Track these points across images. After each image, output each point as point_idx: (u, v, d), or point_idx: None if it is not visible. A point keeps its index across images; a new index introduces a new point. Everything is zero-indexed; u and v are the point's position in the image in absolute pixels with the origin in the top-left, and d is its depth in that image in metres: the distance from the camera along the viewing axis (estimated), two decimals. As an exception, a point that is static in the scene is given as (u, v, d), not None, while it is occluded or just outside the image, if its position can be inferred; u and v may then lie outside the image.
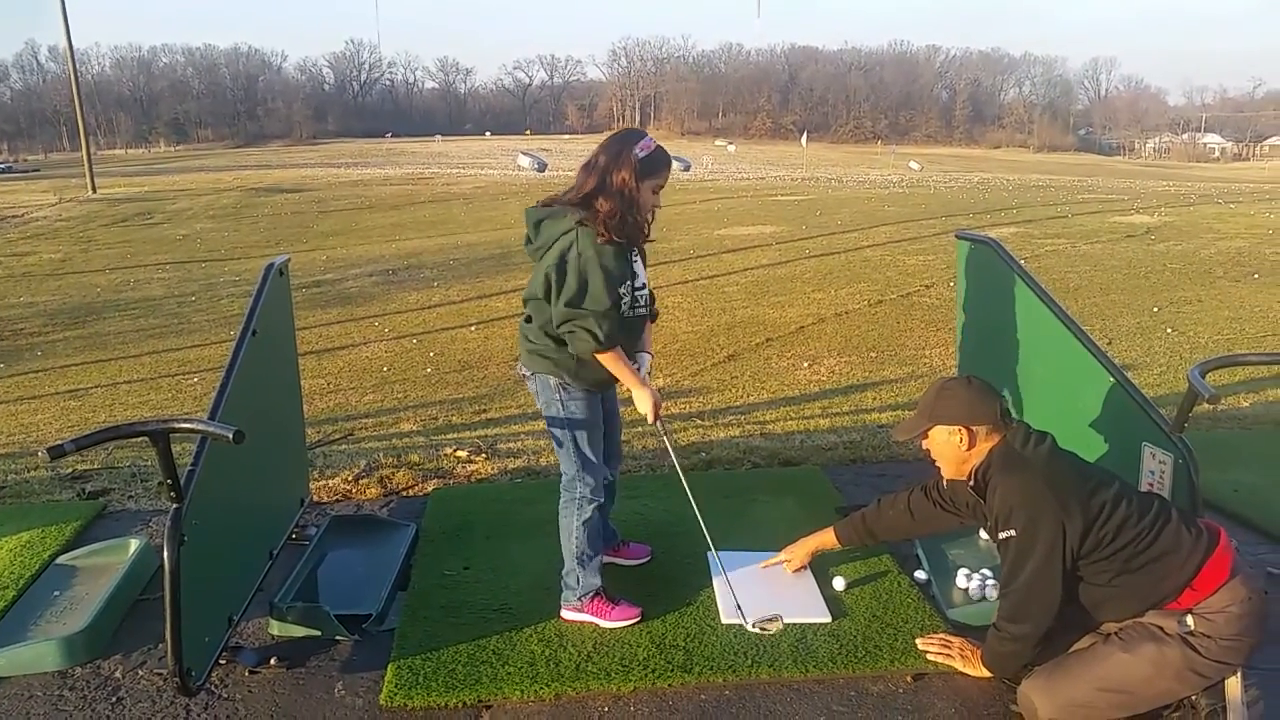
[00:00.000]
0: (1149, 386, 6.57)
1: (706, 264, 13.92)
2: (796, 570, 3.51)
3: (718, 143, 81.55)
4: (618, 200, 2.96)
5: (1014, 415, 2.82)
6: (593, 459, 3.20)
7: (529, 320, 3.17)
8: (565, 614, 3.24)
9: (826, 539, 3.44)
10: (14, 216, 26.01)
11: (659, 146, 3.08)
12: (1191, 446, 3.00)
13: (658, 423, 3.22)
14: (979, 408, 2.74)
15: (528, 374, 3.20)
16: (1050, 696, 2.59)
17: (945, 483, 3.05)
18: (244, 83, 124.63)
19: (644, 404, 3.15)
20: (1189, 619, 2.53)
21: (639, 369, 3.20)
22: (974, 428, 2.73)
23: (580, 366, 3.10)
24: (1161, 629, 2.57)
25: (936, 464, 2.91)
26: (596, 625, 3.17)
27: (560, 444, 3.20)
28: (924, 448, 2.89)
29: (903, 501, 3.27)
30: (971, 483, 2.80)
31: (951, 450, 2.79)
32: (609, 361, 3.04)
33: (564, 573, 3.26)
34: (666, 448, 3.37)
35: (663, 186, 3.11)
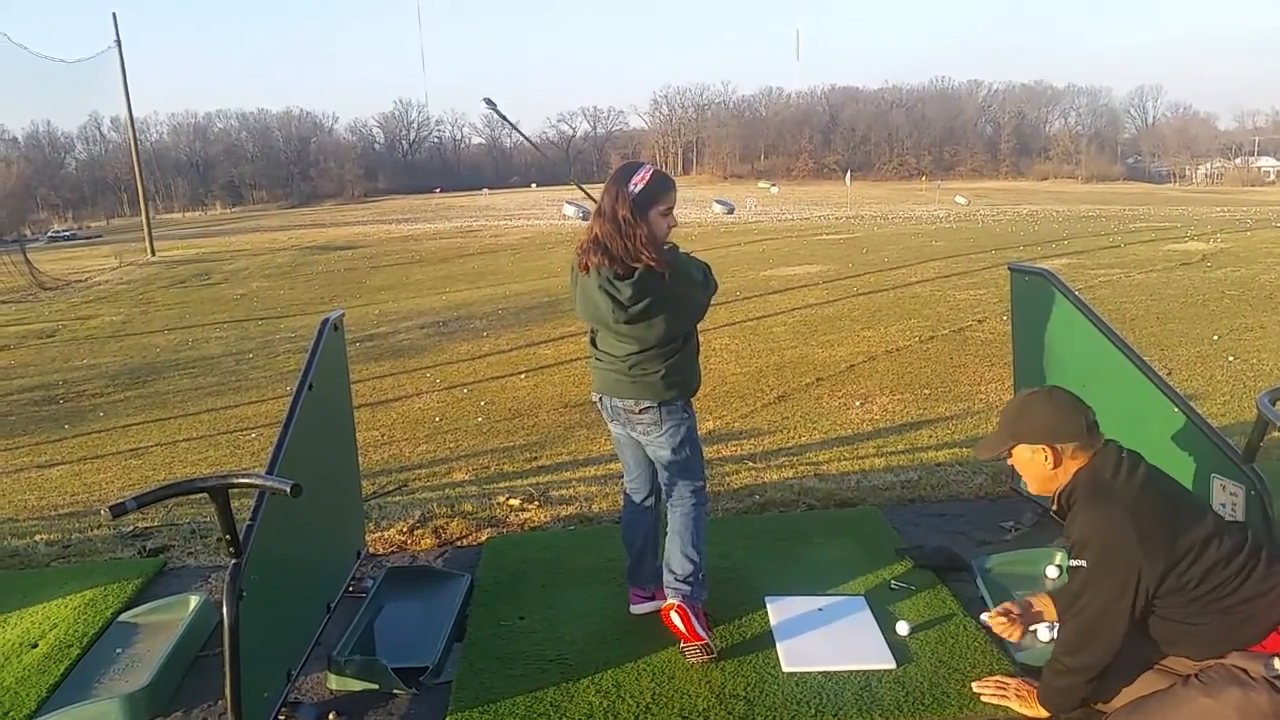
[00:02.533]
0: (1214, 416, 6.37)
1: (753, 305, 13.92)
2: (856, 613, 3.41)
3: (761, 184, 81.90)
4: (621, 233, 3.07)
5: (1102, 431, 2.70)
6: (704, 461, 3.46)
7: (636, 363, 3.22)
8: (681, 606, 3.20)
9: (1041, 605, 3.01)
10: (77, 281, 26.85)
11: (653, 174, 3.16)
12: (1264, 475, 2.89)
13: None
14: (1064, 424, 2.63)
15: (651, 404, 3.25)
16: (1128, 742, 2.49)
17: None
18: (296, 144, 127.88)
19: None
20: (1276, 662, 2.41)
21: None
22: (1059, 446, 2.63)
23: (690, 382, 3.31)
24: (1246, 672, 2.45)
25: (1024, 479, 2.83)
26: (700, 639, 3.16)
27: (691, 459, 3.34)
28: (1010, 464, 2.81)
29: None
30: (1055, 506, 2.70)
31: (1037, 469, 2.69)
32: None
33: (684, 574, 3.28)
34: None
35: (671, 209, 3.19)
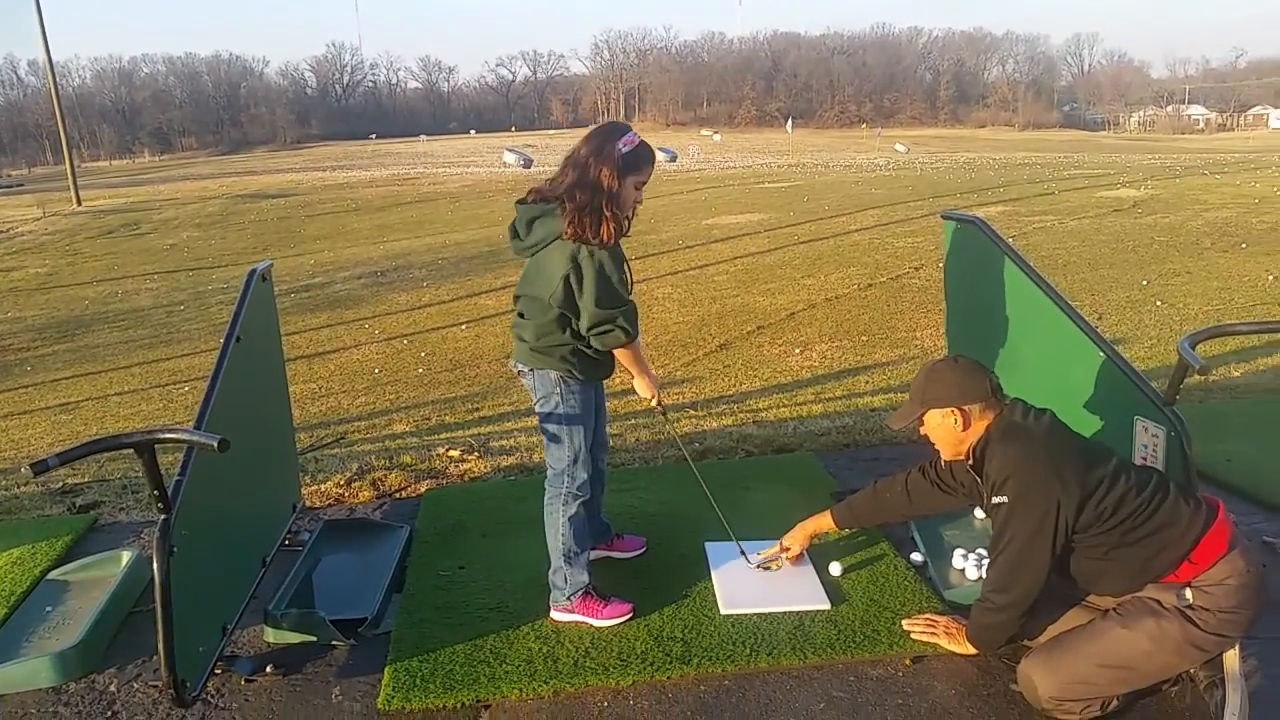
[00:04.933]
0: (1140, 360, 6.57)
1: (695, 254, 13.91)
2: (795, 556, 3.48)
3: (703, 132, 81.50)
4: (594, 194, 2.93)
5: (1005, 392, 2.80)
6: (585, 453, 3.17)
7: (523, 316, 3.13)
8: (555, 615, 3.20)
9: (824, 523, 3.42)
10: (-1, 232, 25.88)
11: (643, 142, 3.05)
12: (1184, 418, 2.99)
13: (659, 406, 3.35)
14: (969, 387, 2.73)
15: (524, 369, 3.17)
16: (1050, 674, 2.58)
17: (944, 462, 3.03)
18: (226, 90, 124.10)
19: (648, 389, 3.28)
20: (1187, 592, 2.52)
21: None
22: (966, 408, 2.72)
23: (583, 361, 3.09)
24: (1160, 603, 2.56)
25: (935, 447, 2.90)
26: (588, 624, 3.15)
27: (555, 439, 3.17)
28: (921, 433, 2.87)
29: (900, 483, 3.26)
30: (970, 461, 2.78)
31: (947, 432, 2.78)
32: (631, 353, 3.14)
33: (551, 572, 3.23)
34: (673, 436, 3.39)
35: (645, 183, 3.07)
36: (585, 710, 2.73)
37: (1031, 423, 2.67)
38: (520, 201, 3.10)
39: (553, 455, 3.20)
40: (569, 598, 3.17)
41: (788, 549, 3.47)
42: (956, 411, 2.73)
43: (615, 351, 3.12)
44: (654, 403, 3.33)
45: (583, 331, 3.02)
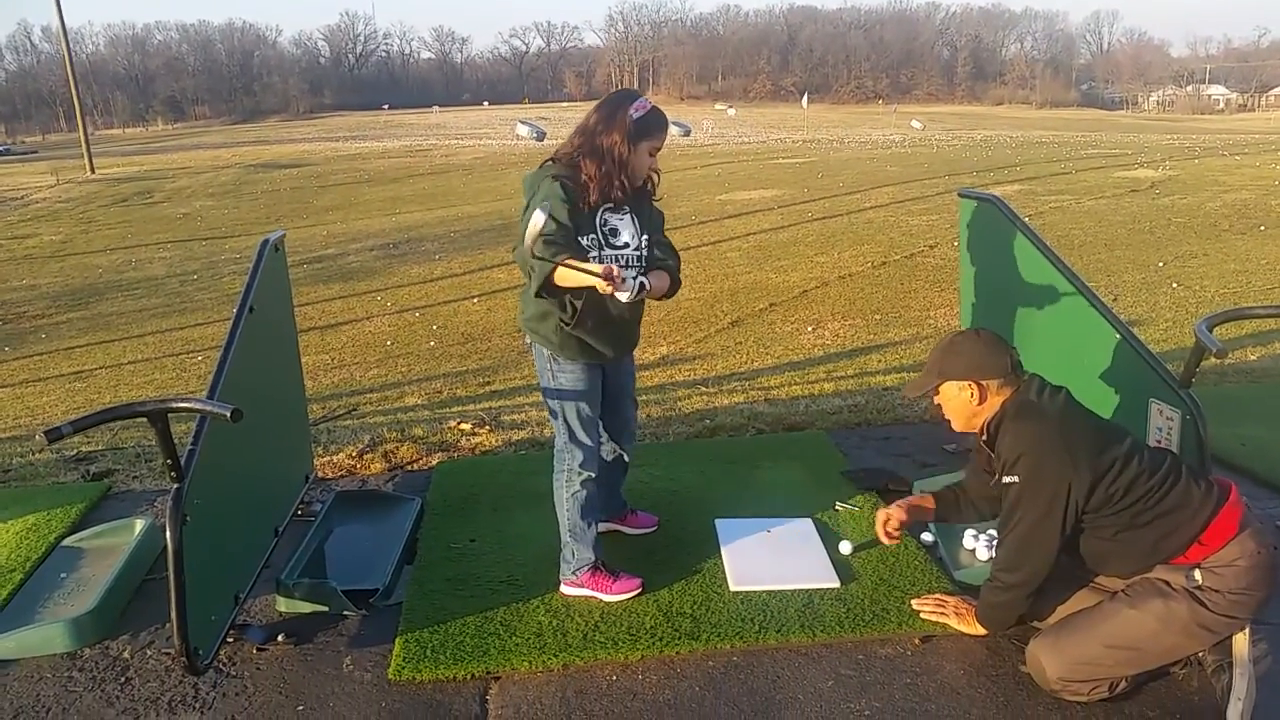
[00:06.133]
0: (1155, 342, 6.53)
1: (708, 230, 13.86)
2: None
3: (718, 106, 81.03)
4: (604, 161, 2.91)
5: (1024, 369, 2.77)
6: (581, 432, 3.14)
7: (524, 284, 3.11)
8: (564, 589, 3.21)
9: (926, 502, 3.16)
10: (13, 199, 25.96)
11: (654, 108, 3.01)
12: (1199, 401, 2.97)
13: (615, 282, 2.72)
14: (989, 361, 2.69)
15: (526, 342, 3.17)
16: (1059, 655, 2.58)
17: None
18: (239, 58, 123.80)
19: (602, 284, 2.72)
20: (1196, 574, 2.51)
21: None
22: (984, 382, 2.68)
23: (564, 340, 3.04)
24: (1169, 584, 2.55)
25: (947, 418, 2.87)
26: (598, 599, 3.16)
27: (553, 414, 3.18)
28: (935, 403, 2.85)
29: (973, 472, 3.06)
30: (984, 436, 2.76)
31: (962, 405, 2.74)
32: (564, 276, 2.80)
33: (560, 548, 3.24)
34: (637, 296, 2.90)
35: (659, 149, 3.04)
36: (594, 683, 2.75)
37: (1046, 401, 2.64)
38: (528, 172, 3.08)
39: (556, 432, 3.21)
40: (575, 572, 3.18)
41: (889, 518, 3.11)
42: (973, 385, 2.69)
43: (558, 279, 2.82)
44: (606, 287, 2.72)
45: (521, 258, 2.84)
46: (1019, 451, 2.56)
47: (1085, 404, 2.76)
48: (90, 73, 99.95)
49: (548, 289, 2.89)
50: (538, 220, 2.62)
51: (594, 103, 3.16)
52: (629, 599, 3.14)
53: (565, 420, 3.14)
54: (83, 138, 35.25)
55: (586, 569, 3.17)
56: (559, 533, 3.24)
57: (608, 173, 2.91)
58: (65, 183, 29.33)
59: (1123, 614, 2.56)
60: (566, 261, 2.76)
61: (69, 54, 37.76)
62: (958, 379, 2.71)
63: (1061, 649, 2.59)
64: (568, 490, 3.17)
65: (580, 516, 3.17)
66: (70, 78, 37.24)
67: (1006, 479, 2.60)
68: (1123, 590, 2.64)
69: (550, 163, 3.03)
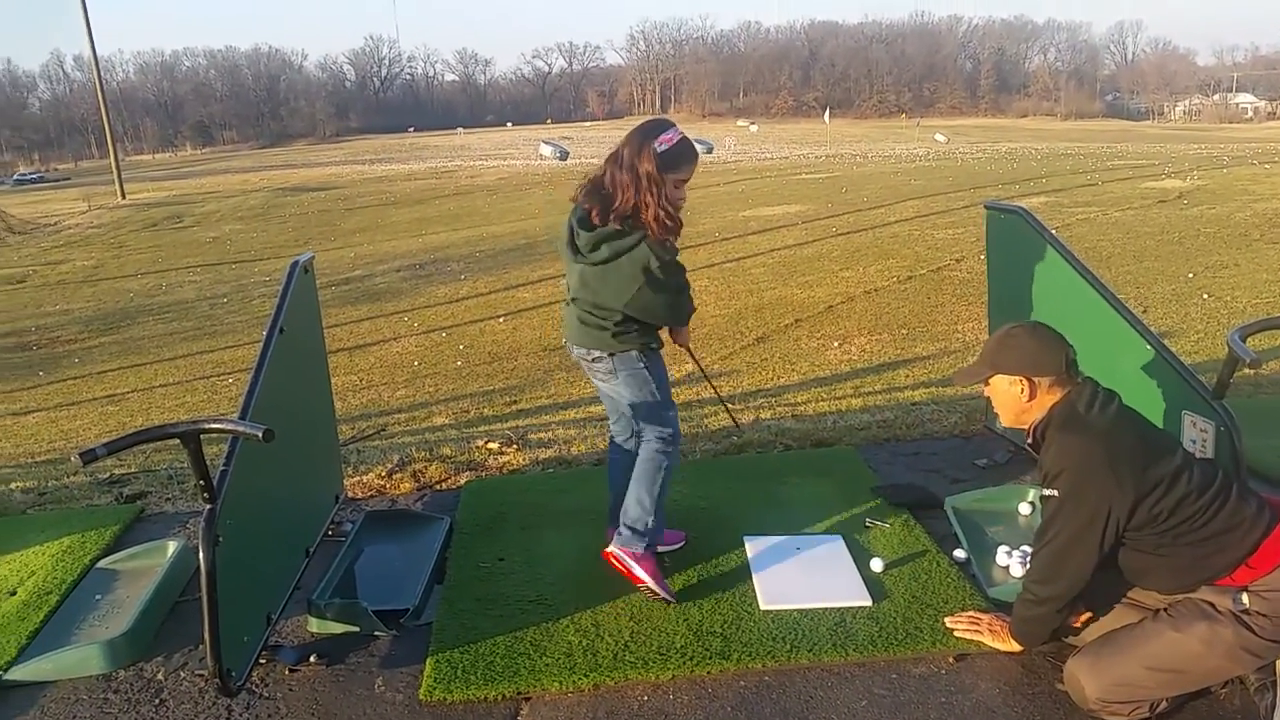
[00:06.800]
0: (1187, 354, 6.45)
1: (732, 246, 13.85)
2: (832, 552, 3.45)
3: (740, 123, 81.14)
4: (656, 196, 2.97)
5: (1080, 369, 2.69)
6: (672, 410, 3.33)
7: (592, 312, 3.18)
8: (621, 553, 3.22)
9: None
10: (47, 225, 26.39)
11: (683, 139, 3.04)
12: (1233, 413, 2.93)
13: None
14: (1043, 358, 2.62)
15: (602, 355, 3.23)
16: (1098, 675, 2.53)
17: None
18: (266, 83, 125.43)
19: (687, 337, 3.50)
20: (1244, 597, 2.45)
21: None
22: (1036, 379, 2.62)
23: (652, 336, 3.26)
24: (1214, 606, 2.48)
25: (996, 411, 2.83)
26: (642, 581, 3.18)
27: (653, 402, 3.27)
28: (985, 394, 2.81)
29: None
30: (1030, 440, 2.72)
31: (1012, 400, 2.68)
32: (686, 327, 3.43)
33: (631, 519, 3.24)
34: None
35: (686, 181, 3.07)
36: (625, 704, 2.73)
37: (1095, 414, 2.56)
38: (583, 221, 3.08)
39: (658, 421, 3.28)
40: (646, 547, 3.23)
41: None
42: (1025, 380, 2.63)
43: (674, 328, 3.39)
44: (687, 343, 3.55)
45: (663, 321, 3.27)
46: (1061, 467, 2.51)
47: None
48: (120, 100, 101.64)
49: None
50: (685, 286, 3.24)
51: (616, 122, 3.23)
52: (659, 599, 3.19)
53: (666, 398, 3.31)
54: (114, 164, 35.82)
55: (652, 548, 3.27)
56: (629, 504, 3.27)
57: (663, 205, 3.00)
58: (97, 209, 29.79)
59: (1165, 635, 2.50)
60: None
61: (100, 82, 38.46)
62: (1009, 373, 2.65)
63: (1101, 669, 2.54)
64: (668, 466, 3.28)
65: (665, 493, 3.31)
66: (101, 105, 37.91)
67: (1047, 492, 2.56)
68: (1165, 610, 2.58)
69: (624, 225, 3.06)
